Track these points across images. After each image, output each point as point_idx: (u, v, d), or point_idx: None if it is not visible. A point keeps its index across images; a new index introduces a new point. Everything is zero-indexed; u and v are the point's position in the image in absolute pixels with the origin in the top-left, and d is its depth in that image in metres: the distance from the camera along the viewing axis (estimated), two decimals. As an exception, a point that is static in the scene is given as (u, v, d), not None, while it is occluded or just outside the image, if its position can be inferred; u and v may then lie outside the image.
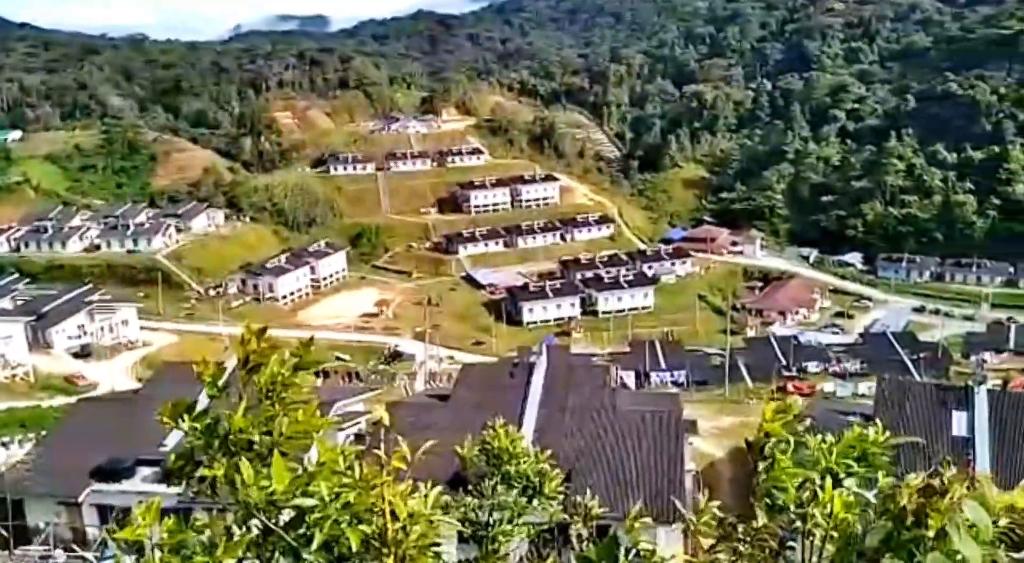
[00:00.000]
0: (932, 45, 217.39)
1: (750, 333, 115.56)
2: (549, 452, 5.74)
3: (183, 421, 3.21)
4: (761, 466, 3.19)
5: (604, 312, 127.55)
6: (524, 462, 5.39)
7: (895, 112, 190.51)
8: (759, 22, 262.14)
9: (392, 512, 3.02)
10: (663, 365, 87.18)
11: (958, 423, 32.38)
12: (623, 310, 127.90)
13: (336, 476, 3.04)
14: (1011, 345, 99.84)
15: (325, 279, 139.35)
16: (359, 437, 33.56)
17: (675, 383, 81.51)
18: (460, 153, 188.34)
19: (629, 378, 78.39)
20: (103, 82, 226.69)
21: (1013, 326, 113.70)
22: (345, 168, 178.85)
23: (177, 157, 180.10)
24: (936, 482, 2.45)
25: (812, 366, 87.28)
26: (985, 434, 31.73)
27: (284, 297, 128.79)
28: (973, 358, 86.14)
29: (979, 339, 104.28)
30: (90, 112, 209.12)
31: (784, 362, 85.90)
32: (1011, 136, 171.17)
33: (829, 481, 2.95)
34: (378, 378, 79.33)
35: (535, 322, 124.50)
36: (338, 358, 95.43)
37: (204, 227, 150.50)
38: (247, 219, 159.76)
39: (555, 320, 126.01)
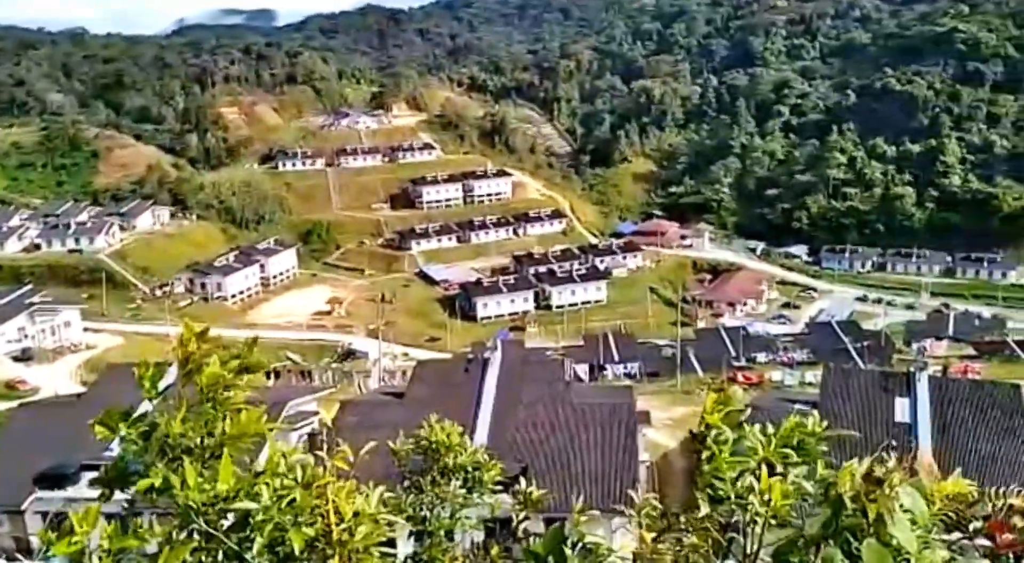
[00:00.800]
0: (871, 41, 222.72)
1: (700, 325, 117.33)
2: (485, 443, 5.80)
3: (119, 429, 3.15)
4: (704, 456, 3.28)
5: (557, 306, 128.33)
6: (462, 454, 5.43)
7: (836, 107, 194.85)
8: (705, 19, 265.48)
9: (337, 512, 2.97)
10: (616, 358, 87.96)
11: (901, 409, 33.32)
12: (576, 304, 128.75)
13: (279, 477, 3.01)
14: (950, 332, 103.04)
15: (275, 277, 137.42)
16: (312, 436, 33.26)
17: (628, 375, 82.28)
18: (411, 148, 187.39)
19: (583, 371, 78.99)
20: (41, 78, 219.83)
21: (952, 314, 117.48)
22: (294, 164, 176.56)
23: (120, 154, 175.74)
24: (875, 470, 2.63)
25: (761, 356, 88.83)
26: (927, 419, 32.72)
27: (233, 296, 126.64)
28: (914, 345, 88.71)
29: (920, 327, 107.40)
30: (28, 109, 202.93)
31: (734, 353, 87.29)
32: (947, 130, 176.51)
33: (765, 471, 3.02)
34: (331, 377, 78.50)
35: (489, 317, 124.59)
36: (289, 357, 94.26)
37: (149, 225, 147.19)
38: (194, 217, 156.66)
39: (509, 315, 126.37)
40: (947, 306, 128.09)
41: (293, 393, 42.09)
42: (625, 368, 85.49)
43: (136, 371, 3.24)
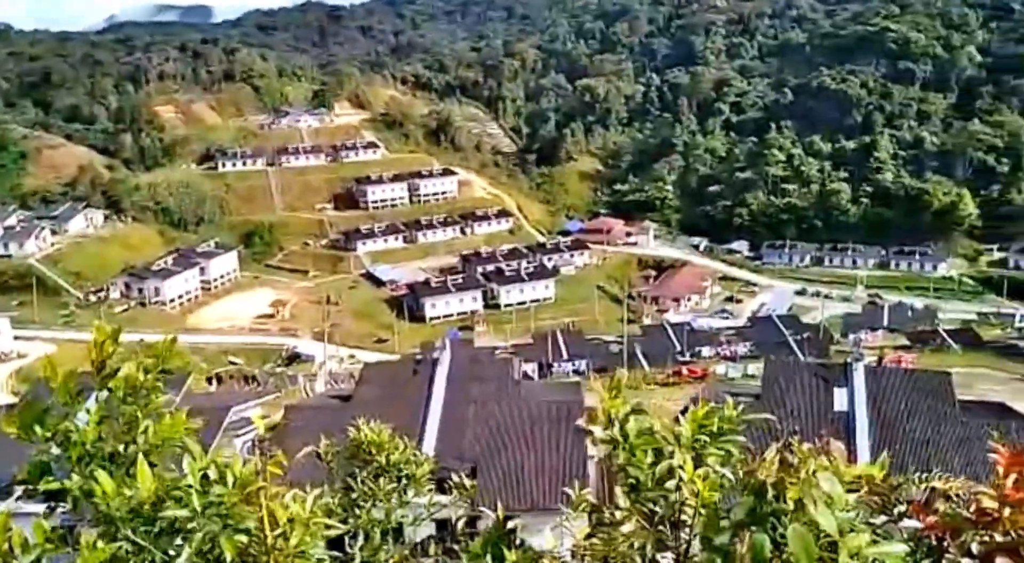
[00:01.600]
0: (807, 41, 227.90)
1: (646, 320, 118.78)
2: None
3: (34, 431, 3.08)
4: (606, 448, 3.29)
5: (506, 305, 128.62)
6: (394, 452, 5.42)
7: (774, 105, 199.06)
8: (647, 18, 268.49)
9: (272, 518, 2.93)
10: (565, 355, 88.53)
11: (839, 399, 34.25)
12: (525, 302, 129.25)
13: (210, 483, 2.94)
14: (885, 323, 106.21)
15: (216, 280, 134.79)
16: (258, 442, 32.70)
17: (576, 372, 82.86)
18: (355, 147, 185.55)
19: (532, 369, 79.31)
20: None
21: (886, 305, 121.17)
22: (234, 164, 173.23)
23: (50, 155, 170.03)
24: (787, 456, 2.68)
25: (705, 350, 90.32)
26: (864, 408, 33.70)
27: (172, 300, 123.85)
28: (851, 337, 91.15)
29: (856, 319, 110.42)
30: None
31: (679, 347, 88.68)
32: (880, 127, 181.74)
33: (688, 458, 3.07)
34: (277, 381, 77.32)
35: (438, 317, 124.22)
36: (232, 362, 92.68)
37: (82, 229, 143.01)
38: (129, 219, 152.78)
39: (458, 315, 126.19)
40: (879, 297, 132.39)
41: (237, 398, 41.37)
42: (574, 365, 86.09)
43: (45, 375, 3.18)
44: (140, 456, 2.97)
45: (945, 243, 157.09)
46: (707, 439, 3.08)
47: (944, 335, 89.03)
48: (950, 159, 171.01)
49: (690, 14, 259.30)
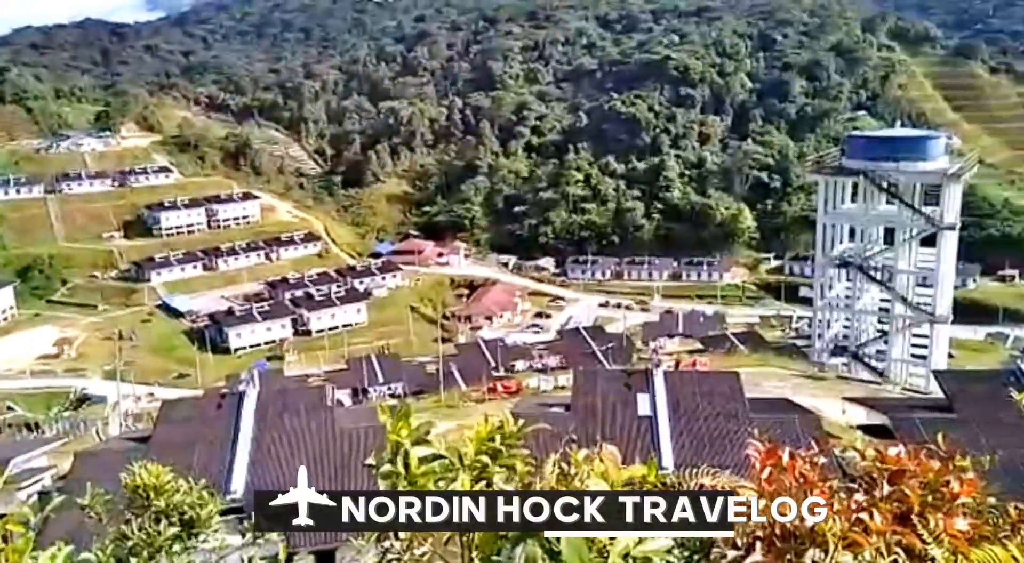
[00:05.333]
0: (598, 67, 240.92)
1: (461, 339, 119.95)
2: (203, 481, 5.62)
3: None
4: (386, 482, 3.37)
5: (317, 331, 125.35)
6: (176, 494, 5.20)
7: (571, 128, 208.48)
8: (446, 42, 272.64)
9: None
10: (380, 379, 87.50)
11: (643, 403, 36.40)
12: (337, 327, 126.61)
13: None
14: (680, 330, 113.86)
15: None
16: (43, 494, 29.77)
17: (392, 395, 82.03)
18: (145, 172, 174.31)
19: (346, 395, 77.68)
20: None
21: (680, 313, 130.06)
22: (5, 192, 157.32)
23: None
24: (564, 465, 2.78)
25: (519, 364, 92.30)
26: (664, 410, 36.05)
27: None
28: (651, 344, 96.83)
29: (654, 327, 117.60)
30: None
31: (493, 363, 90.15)
32: (667, 148, 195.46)
33: (467, 480, 3.17)
34: (64, 426, 70.55)
35: (244, 348, 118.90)
36: (11, 408, 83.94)
37: None
38: None
39: (266, 343, 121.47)
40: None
41: (19, 448, 37.51)
42: (390, 389, 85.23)
43: None
44: None
45: (728, 254, 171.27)
46: (488, 460, 3.22)
47: (732, 338, 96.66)
48: (729, 177, 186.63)
49: (487, 40, 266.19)
